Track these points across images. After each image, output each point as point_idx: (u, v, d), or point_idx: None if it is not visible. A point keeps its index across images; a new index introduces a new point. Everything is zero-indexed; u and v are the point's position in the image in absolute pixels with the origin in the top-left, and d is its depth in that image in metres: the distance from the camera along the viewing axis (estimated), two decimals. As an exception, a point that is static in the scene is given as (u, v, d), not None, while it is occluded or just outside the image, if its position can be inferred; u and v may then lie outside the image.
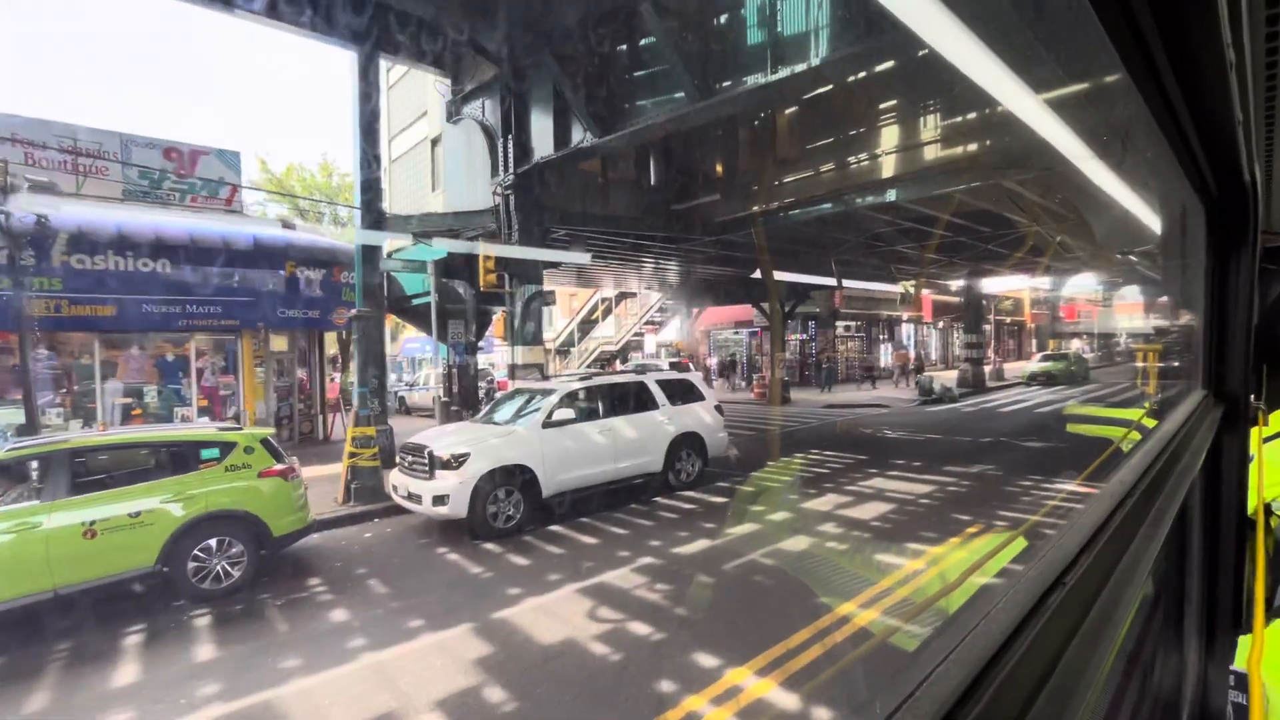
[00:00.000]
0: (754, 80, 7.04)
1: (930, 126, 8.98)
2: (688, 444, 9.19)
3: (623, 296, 29.86)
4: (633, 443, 8.53)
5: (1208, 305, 1.92)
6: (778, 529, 6.92)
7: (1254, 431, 2.00)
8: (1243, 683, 1.30)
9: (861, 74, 7.87)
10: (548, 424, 7.69)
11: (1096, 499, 0.89)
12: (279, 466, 6.10)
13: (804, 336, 26.73)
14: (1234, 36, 0.93)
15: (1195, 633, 1.86)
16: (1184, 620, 1.83)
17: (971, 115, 8.56)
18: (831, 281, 22.44)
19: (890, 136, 9.43)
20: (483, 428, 7.94)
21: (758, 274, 18.02)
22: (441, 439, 7.55)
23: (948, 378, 26.16)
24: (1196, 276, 1.97)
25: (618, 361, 28.85)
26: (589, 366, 30.21)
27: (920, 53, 7.71)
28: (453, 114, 11.74)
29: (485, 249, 10.01)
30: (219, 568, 5.59)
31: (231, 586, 5.62)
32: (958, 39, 2.38)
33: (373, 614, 5.10)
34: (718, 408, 9.84)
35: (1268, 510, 2.13)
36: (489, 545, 6.82)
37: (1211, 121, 1.26)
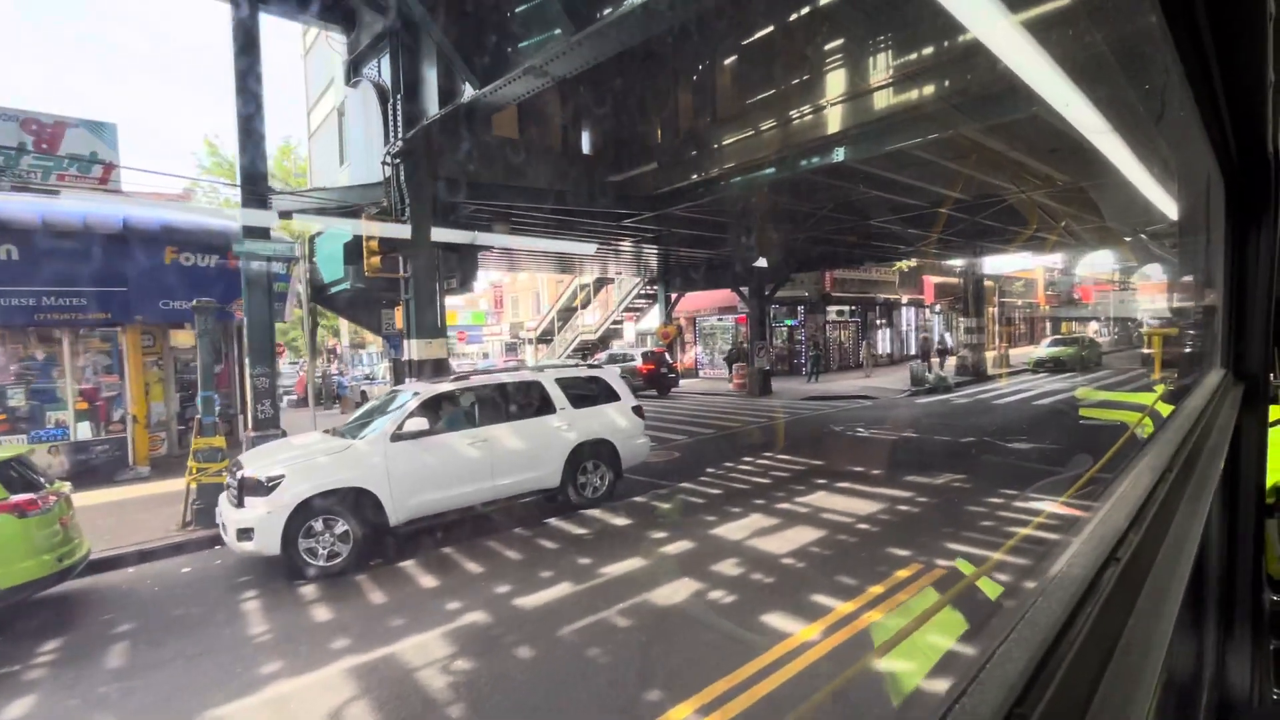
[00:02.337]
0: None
1: (882, 68, 7.39)
2: (595, 453, 7.80)
3: (602, 283, 28.40)
4: (518, 455, 7.16)
5: (1226, 282, 1.86)
6: (664, 568, 5.54)
7: (1273, 410, 1.90)
8: None
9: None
10: (398, 436, 6.34)
11: (1137, 473, 0.86)
12: (13, 499, 4.82)
13: (793, 322, 25.11)
14: None
15: (1213, 618, 1.77)
16: (1203, 604, 1.71)
17: (930, 49, 6.97)
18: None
19: (838, 83, 7.86)
20: (324, 441, 6.62)
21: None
22: (264, 456, 6.25)
23: (946, 364, 24.46)
24: (1215, 254, 1.91)
25: (599, 350, 27.45)
26: (569, 356, 28.89)
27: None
28: (350, 76, 10.33)
29: (369, 228, 8.64)
30: (-94, 634, 4.35)
31: (-70, 656, 4.38)
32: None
33: (64, 706, 3.81)
34: (636, 409, 8.42)
35: None
36: (307, 588, 5.54)
37: (1242, 81, 1.19)
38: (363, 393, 22.71)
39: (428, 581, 5.57)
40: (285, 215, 11.76)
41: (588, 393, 8.10)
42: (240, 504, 5.71)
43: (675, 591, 4.99)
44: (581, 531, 6.77)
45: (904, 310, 30.67)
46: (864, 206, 12.96)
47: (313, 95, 13.65)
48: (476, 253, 12.25)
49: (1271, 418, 1.95)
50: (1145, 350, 24.29)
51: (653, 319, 26.43)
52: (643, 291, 25.88)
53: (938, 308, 31.92)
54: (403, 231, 8.95)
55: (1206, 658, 1.77)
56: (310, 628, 4.77)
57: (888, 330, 29.74)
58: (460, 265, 11.02)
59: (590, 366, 8.75)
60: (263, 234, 9.57)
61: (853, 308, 27.57)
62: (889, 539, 5.99)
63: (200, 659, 4.32)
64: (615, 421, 8.08)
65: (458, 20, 7.44)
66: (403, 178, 8.82)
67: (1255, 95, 1.27)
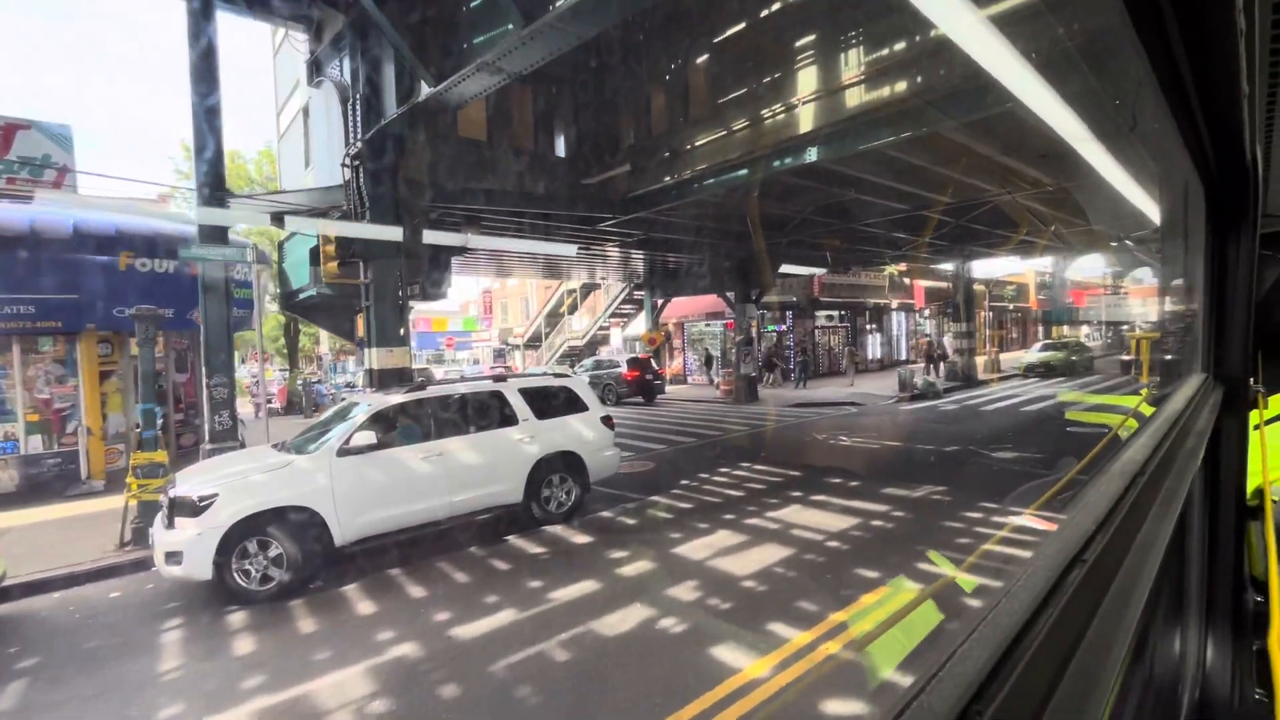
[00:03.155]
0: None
1: (853, 65, 7.12)
2: (560, 466, 7.47)
3: (590, 288, 28.10)
4: (477, 469, 6.82)
5: (1207, 288, 1.88)
6: (618, 592, 5.20)
7: (1253, 415, 1.93)
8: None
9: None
10: (345, 451, 6.00)
11: (1109, 477, 0.88)
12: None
13: (776, 328, 24.82)
14: (1245, 1, 0.89)
15: (1195, 618, 1.78)
16: (1183, 605, 1.73)
17: (901, 44, 6.70)
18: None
19: (809, 81, 7.59)
20: (268, 456, 6.26)
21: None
22: (200, 473, 5.90)
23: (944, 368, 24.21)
24: (1196, 259, 1.93)
25: (585, 356, 27.13)
26: (556, 362, 28.58)
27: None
28: (313, 76, 10.02)
29: (326, 232, 8.31)
30: None
31: None
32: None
33: (-69, 758, 3.46)
34: (605, 419, 8.09)
35: (1266, 494, 1.96)
36: (234, 616, 5.18)
37: (1216, 92, 1.21)
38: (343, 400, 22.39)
39: (365, 608, 5.22)
40: (277, 219, 11.39)
41: (553, 403, 7.77)
42: (171, 525, 5.36)
43: (624, 619, 4.65)
44: (538, 550, 6.43)
45: (894, 315, 30.45)
46: (848, 210, 12.71)
47: (282, 96, 13.34)
48: (449, 257, 11.92)
49: (1253, 422, 1.96)
50: (1124, 357, 22.85)
51: (641, 325, 26.13)
52: (630, 297, 25.60)
53: (926, 312, 31.73)
54: (366, 235, 8.62)
55: (1189, 657, 1.77)
56: (226, 663, 4.41)
57: (878, 335, 29.49)
58: (429, 271, 10.70)
59: (557, 375, 8.42)
60: (220, 236, 9.24)
61: (842, 312, 27.33)
62: (858, 558, 5.67)
63: (96, 701, 3.96)
64: (582, 433, 7.75)
65: (412, 16, 7.14)
66: (362, 180, 8.50)
67: (1231, 107, 1.28)
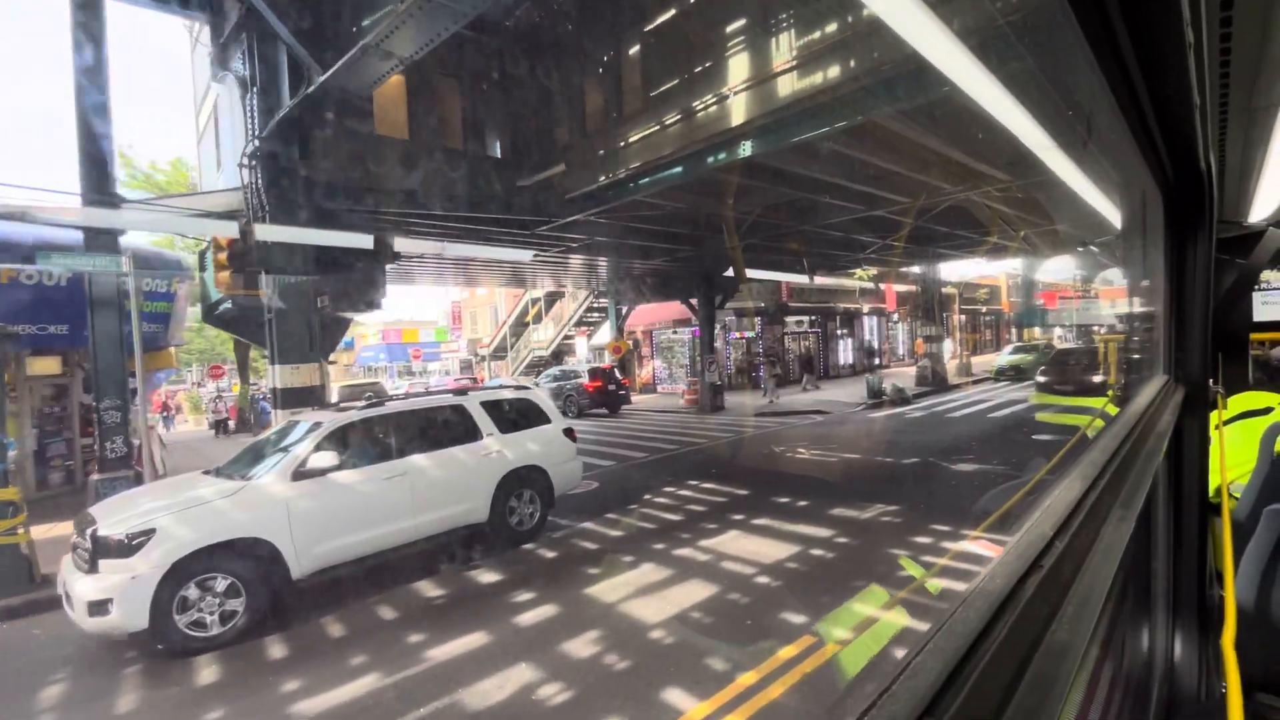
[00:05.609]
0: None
1: (785, 49, 6.55)
2: (526, 481, 6.95)
3: (555, 297, 27.38)
4: (442, 488, 6.29)
5: (1168, 293, 1.90)
6: (506, 648, 4.49)
7: (1213, 415, 1.97)
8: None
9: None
10: (301, 474, 5.29)
11: (1068, 481, 0.87)
12: None
13: (732, 334, 24.27)
14: (1193, 15, 0.90)
15: (1162, 615, 1.80)
16: (1151, 602, 1.75)
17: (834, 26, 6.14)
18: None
19: (740, 69, 7.01)
20: (204, 484, 5.43)
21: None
22: (124, 507, 5.07)
23: (907, 374, 23.87)
24: (1157, 265, 1.95)
25: (551, 366, 26.38)
26: (522, 373, 27.79)
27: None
28: (217, 71, 9.24)
29: (216, 239, 7.53)
30: None
31: None
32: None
33: None
34: (567, 431, 7.57)
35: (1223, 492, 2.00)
36: (53, 690, 4.38)
37: (1170, 104, 1.23)
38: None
39: (206, 675, 4.44)
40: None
41: (515, 416, 7.24)
42: (93, 569, 4.54)
43: (500, 686, 3.94)
44: (434, 594, 5.68)
45: (865, 319, 30.12)
46: (811, 212, 12.19)
47: (199, 95, 12.50)
48: (382, 265, 11.15)
49: (1214, 422, 1.96)
50: (1040, 379, 16.83)
51: (606, 333, 25.47)
52: (594, 305, 24.93)
53: (895, 316, 31.49)
54: (266, 239, 7.86)
55: (1157, 652, 1.77)
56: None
57: (849, 340, 29.12)
58: (352, 280, 9.93)
59: (518, 387, 7.96)
60: (110, 243, 8.39)
61: (812, 318, 26.91)
62: (787, 598, 5.02)
63: None
64: (545, 446, 7.30)
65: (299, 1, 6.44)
66: (260, 181, 7.73)
67: (1184, 118, 1.31)
